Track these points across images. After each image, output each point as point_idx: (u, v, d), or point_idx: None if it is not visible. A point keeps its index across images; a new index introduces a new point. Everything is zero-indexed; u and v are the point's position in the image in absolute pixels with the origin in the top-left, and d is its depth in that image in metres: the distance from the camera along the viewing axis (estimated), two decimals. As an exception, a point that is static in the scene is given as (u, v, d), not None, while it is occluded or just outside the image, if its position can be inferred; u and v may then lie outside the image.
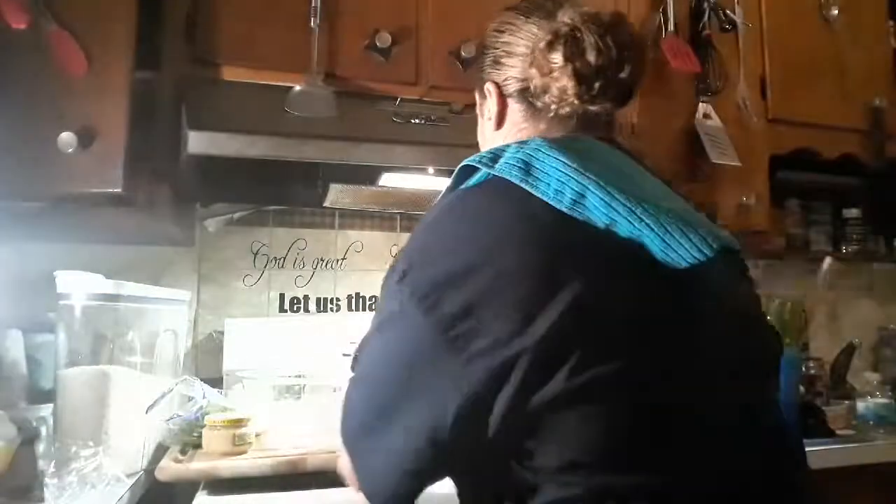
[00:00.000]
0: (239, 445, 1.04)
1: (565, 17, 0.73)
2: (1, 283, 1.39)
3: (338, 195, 1.51)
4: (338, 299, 1.73)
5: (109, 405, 1.04)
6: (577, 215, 0.60)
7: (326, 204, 1.58)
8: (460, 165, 0.70)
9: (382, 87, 1.37)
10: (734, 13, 1.61)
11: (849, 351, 1.88)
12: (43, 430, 1.06)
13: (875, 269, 2.19)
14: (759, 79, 1.67)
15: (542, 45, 0.72)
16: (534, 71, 0.73)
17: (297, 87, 1.25)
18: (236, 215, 1.67)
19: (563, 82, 0.71)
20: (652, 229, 0.59)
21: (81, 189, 1.10)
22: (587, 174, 0.62)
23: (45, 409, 1.11)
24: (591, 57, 0.70)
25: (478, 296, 0.58)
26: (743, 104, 1.62)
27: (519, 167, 0.64)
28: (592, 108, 0.72)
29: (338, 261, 1.74)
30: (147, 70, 1.19)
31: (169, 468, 0.97)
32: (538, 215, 0.61)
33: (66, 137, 1.05)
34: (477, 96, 0.86)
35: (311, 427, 1.17)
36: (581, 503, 0.56)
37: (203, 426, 1.06)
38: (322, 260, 1.73)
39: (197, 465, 0.99)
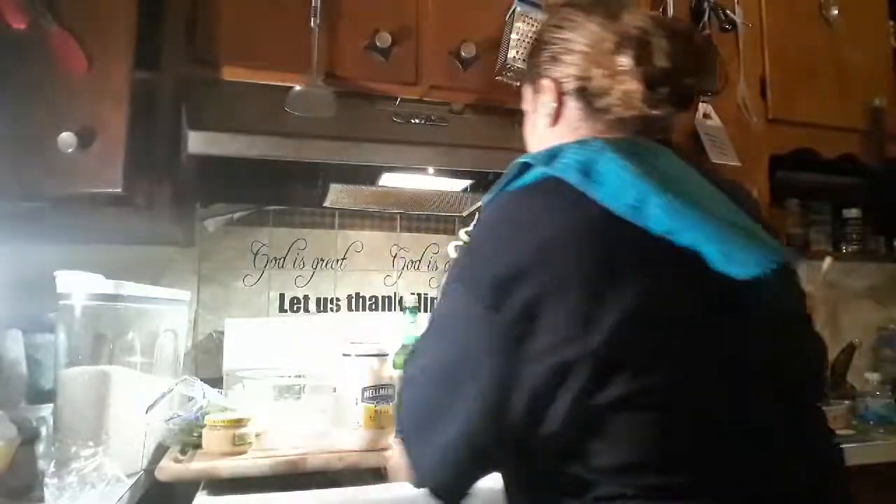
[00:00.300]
0: (239, 445, 1.04)
1: (635, 21, 0.73)
2: (1, 283, 1.39)
3: (338, 195, 1.51)
4: (338, 299, 1.73)
5: (109, 405, 1.04)
6: (636, 220, 0.61)
7: (326, 204, 1.58)
8: (515, 162, 0.70)
9: (382, 87, 1.37)
10: (734, 13, 1.61)
11: (849, 351, 1.88)
12: (43, 430, 1.06)
13: (875, 269, 2.19)
14: (759, 79, 1.67)
15: (608, 45, 0.73)
16: (597, 71, 0.74)
17: (297, 87, 1.25)
18: (236, 215, 1.67)
19: (629, 85, 0.71)
20: (712, 240, 0.60)
21: (81, 189, 1.10)
22: (649, 180, 0.62)
23: (45, 409, 1.11)
24: (660, 62, 0.71)
25: (536, 297, 0.59)
26: (743, 104, 1.62)
27: (578, 169, 0.64)
28: (655, 112, 0.72)
29: (338, 261, 1.74)
30: (147, 70, 1.19)
31: (169, 468, 0.97)
32: (595, 219, 0.62)
33: (66, 137, 1.05)
34: (527, 91, 0.86)
35: (312, 427, 1.17)
36: (634, 500, 0.58)
37: (203, 426, 1.06)
38: (322, 260, 1.73)
39: (197, 465, 0.99)
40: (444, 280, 0.68)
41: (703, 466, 0.59)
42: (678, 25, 0.74)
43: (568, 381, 0.57)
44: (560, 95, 0.79)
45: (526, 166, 0.69)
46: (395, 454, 0.72)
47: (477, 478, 0.66)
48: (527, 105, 0.87)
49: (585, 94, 0.76)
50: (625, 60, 0.71)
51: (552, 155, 0.67)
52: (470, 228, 1.48)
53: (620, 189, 0.62)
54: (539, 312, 0.59)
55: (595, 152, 0.65)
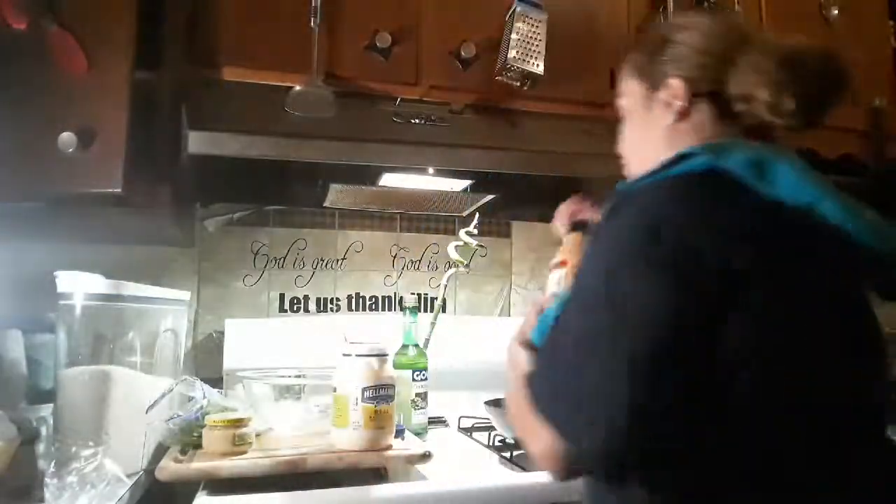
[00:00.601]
0: (239, 445, 1.04)
1: (789, 39, 0.76)
2: (1, 283, 1.39)
3: (338, 195, 1.51)
4: (338, 299, 1.73)
5: (109, 405, 1.04)
6: (809, 220, 0.66)
7: (326, 204, 1.58)
8: (680, 153, 0.70)
9: (382, 87, 1.37)
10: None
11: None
12: (43, 430, 1.06)
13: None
14: (759, 79, 1.67)
15: (763, 58, 0.75)
16: (745, 78, 0.76)
17: (297, 87, 1.24)
18: (236, 215, 1.67)
19: (780, 97, 0.73)
20: (873, 233, 0.68)
21: (81, 189, 1.10)
22: (816, 182, 0.68)
23: (45, 409, 1.11)
24: (810, 84, 0.74)
25: (711, 284, 0.62)
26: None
27: (750, 165, 0.67)
28: (791, 126, 0.75)
29: (338, 261, 1.74)
30: (147, 70, 1.19)
31: (169, 468, 0.97)
32: (768, 216, 0.66)
33: (66, 137, 1.05)
34: (636, 87, 0.86)
35: (312, 427, 1.17)
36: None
37: (203, 426, 1.06)
38: (322, 260, 1.73)
39: (197, 465, 0.98)
40: (599, 263, 0.67)
41: (826, 459, 0.65)
42: (828, 51, 0.76)
43: (751, 363, 0.62)
44: (691, 95, 0.79)
45: (685, 156, 0.70)
46: (535, 439, 0.67)
47: (638, 447, 0.64)
48: (633, 102, 0.87)
49: (719, 96, 0.78)
50: (781, 73, 0.73)
51: (720, 149, 0.69)
52: (471, 228, 1.50)
53: (796, 188, 0.67)
54: (715, 301, 0.62)
55: (768, 153, 0.69)
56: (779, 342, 0.64)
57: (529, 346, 0.82)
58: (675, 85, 0.80)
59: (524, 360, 0.81)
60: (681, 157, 0.70)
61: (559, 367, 0.67)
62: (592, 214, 1.03)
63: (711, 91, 0.78)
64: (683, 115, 0.80)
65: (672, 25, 0.85)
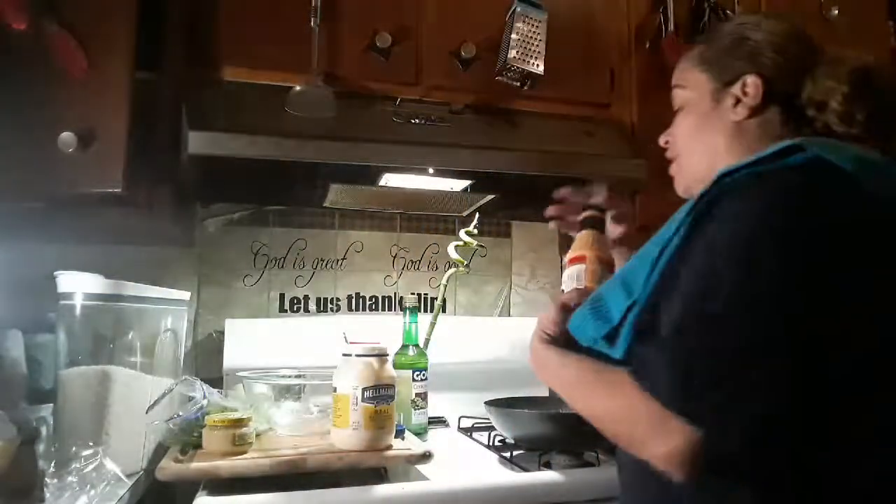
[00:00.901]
0: (239, 445, 1.04)
1: (859, 57, 0.78)
2: (1, 283, 1.39)
3: (338, 195, 1.51)
4: (338, 299, 1.73)
5: (109, 405, 1.04)
6: None
7: (326, 204, 1.58)
8: (786, 145, 0.69)
9: (382, 87, 1.37)
10: (734, 13, 1.61)
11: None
12: (43, 430, 1.06)
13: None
14: (759, 79, 1.67)
15: (840, 67, 0.76)
16: (820, 85, 0.77)
17: (297, 87, 1.25)
18: (236, 215, 1.67)
19: (854, 107, 0.75)
20: None
21: (81, 189, 1.10)
22: None
23: (45, 409, 1.11)
24: (881, 99, 0.76)
25: (852, 271, 0.63)
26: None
27: (858, 162, 0.67)
28: (858, 137, 0.75)
29: (338, 261, 1.74)
30: (147, 70, 1.19)
31: (169, 468, 0.97)
32: (880, 206, 0.67)
33: (66, 137, 1.05)
34: (704, 77, 0.86)
35: (312, 427, 1.17)
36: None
37: (203, 426, 1.06)
38: (322, 260, 1.73)
39: (197, 465, 0.98)
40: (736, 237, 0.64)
41: None
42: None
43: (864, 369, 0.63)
44: (766, 95, 0.80)
45: (793, 148, 0.68)
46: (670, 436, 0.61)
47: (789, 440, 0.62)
48: (698, 94, 0.86)
49: (792, 100, 0.79)
50: (856, 87, 0.75)
51: (827, 145, 0.69)
52: (471, 228, 1.50)
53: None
54: (855, 283, 0.63)
55: (874, 155, 0.71)
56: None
57: (556, 342, 0.82)
58: (751, 82, 0.80)
59: (555, 359, 0.81)
60: (789, 149, 0.68)
61: (694, 358, 0.61)
62: (601, 208, 1.04)
63: (786, 93, 0.79)
64: (755, 113, 0.80)
65: (746, 24, 0.85)
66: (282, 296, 1.69)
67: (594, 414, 0.73)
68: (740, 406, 0.59)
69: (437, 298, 1.57)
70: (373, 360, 1.08)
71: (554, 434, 1.19)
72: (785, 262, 0.61)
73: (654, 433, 0.62)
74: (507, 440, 1.31)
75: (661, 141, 0.94)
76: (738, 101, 0.81)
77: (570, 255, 0.99)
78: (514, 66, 1.37)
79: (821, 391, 0.61)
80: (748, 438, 0.59)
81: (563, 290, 0.94)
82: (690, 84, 0.88)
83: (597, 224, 1.02)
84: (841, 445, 0.62)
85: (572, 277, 0.94)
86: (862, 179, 0.66)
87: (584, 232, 1.01)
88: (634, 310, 0.70)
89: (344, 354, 1.10)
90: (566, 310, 0.82)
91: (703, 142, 0.85)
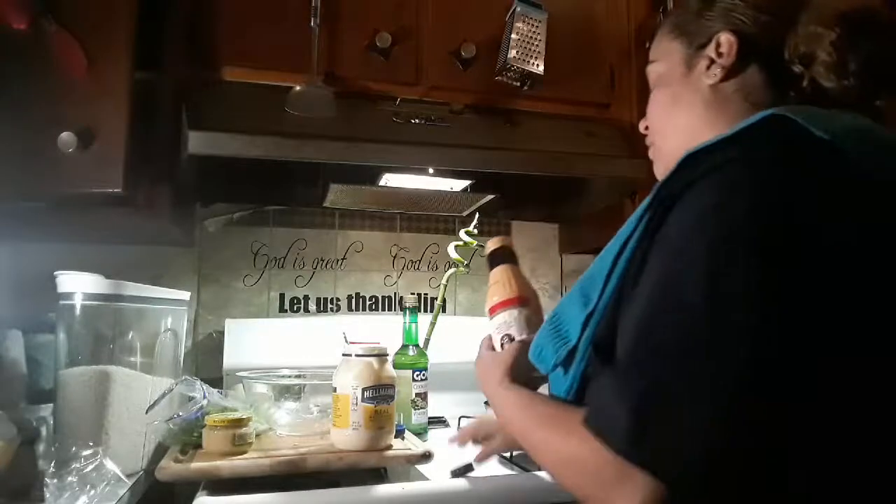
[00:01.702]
0: (239, 445, 1.04)
1: None
2: (1, 283, 1.39)
3: (338, 195, 1.51)
4: (338, 299, 1.73)
5: (109, 405, 1.04)
6: None
7: (326, 204, 1.58)
8: (765, 115, 0.59)
9: (382, 87, 1.38)
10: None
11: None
12: (43, 430, 1.06)
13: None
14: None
15: (825, 11, 0.66)
16: (805, 36, 0.67)
17: (297, 87, 1.25)
18: (236, 215, 1.67)
19: (845, 57, 0.65)
20: None
21: (81, 189, 1.09)
22: None
23: (45, 409, 1.11)
24: (881, 43, 0.66)
25: (824, 268, 0.53)
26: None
27: (853, 136, 0.58)
28: (856, 91, 0.66)
29: (338, 261, 1.74)
30: (147, 70, 1.19)
31: (169, 468, 0.97)
32: (876, 192, 0.57)
33: (66, 137, 1.05)
34: (676, 45, 0.77)
35: (312, 427, 1.17)
36: None
37: (203, 426, 1.06)
38: (322, 260, 1.73)
39: (197, 465, 0.98)
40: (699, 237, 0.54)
41: None
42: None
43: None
44: (741, 52, 0.70)
45: (771, 120, 0.59)
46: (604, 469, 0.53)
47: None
48: (670, 63, 0.77)
49: (775, 58, 0.69)
50: (847, 32, 0.65)
51: (813, 114, 0.59)
52: (471, 228, 1.50)
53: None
54: (846, 277, 0.54)
55: (868, 122, 0.62)
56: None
57: (520, 381, 0.77)
58: (725, 40, 0.71)
59: (511, 399, 0.75)
60: (766, 121, 0.59)
61: (647, 393, 0.52)
62: (505, 241, 0.94)
63: (766, 50, 0.69)
64: (731, 74, 0.71)
65: None
66: (282, 296, 1.69)
67: (544, 461, 0.65)
68: (711, 446, 0.50)
69: (437, 298, 1.57)
70: (373, 360, 1.08)
71: (554, 434, 1.19)
72: (751, 275, 0.51)
73: (613, 488, 0.53)
74: (507, 440, 1.31)
75: (641, 127, 0.84)
76: (711, 62, 0.72)
77: (490, 299, 0.90)
78: (514, 66, 1.38)
79: (794, 423, 0.51)
80: (712, 482, 0.50)
81: (497, 344, 0.89)
82: (662, 55, 0.79)
83: (507, 255, 0.92)
84: (818, 480, 0.53)
85: (503, 323, 0.87)
86: (854, 156, 0.57)
87: (498, 269, 0.91)
88: (592, 321, 0.62)
89: (344, 354, 1.10)
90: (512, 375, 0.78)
91: (679, 117, 0.76)
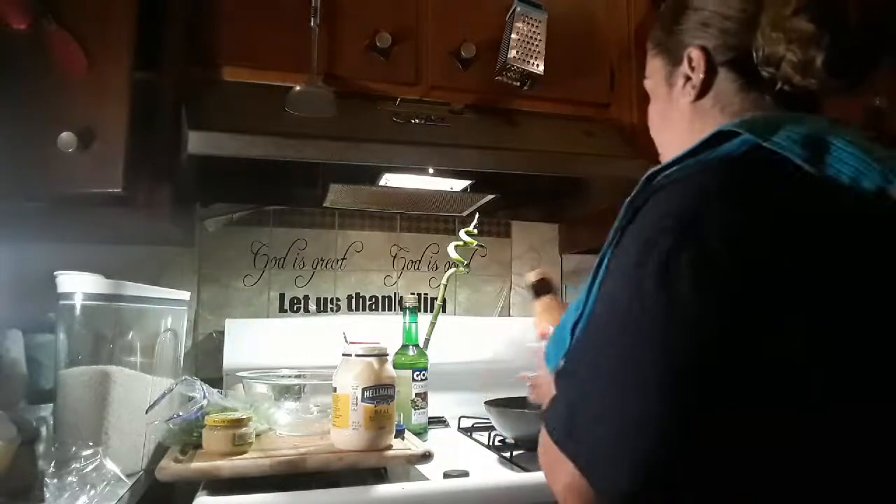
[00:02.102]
0: (239, 445, 1.04)
1: None
2: (1, 283, 1.39)
3: (338, 195, 1.51)
4: (338, 299, 1.73)
5: (109, 405, 1.04)
6: (878, 209, 0.56)
7: (326, 204, 1.58)
8: (716, 131, 0.61)
9: (382, 87, 1.37)
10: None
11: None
12: (43, 430, 1.06)
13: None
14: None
15: (783, 8, 0.65)
16: (767, 36, 0.66)
17: (297, 87, 1.25)
18: (236, 215, 1.67)
19: (810, 54, 0.63)
20: None
21: (81, 189, 1.10)
22: (883, 162, 0.57)
23: (45, 409, 1.11)
24: (849, 28, 0.63)
25: (760, 286, 0.52)
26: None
27: (804, 144, 0.57)
28: (828, 86, 0.65)
29: (338, 261, 1.74)
30: (147, 70, 1.19)
31: (169, 468, 0.97)
32: (829, 203, 0.56)
33: (66, 137, 1.05)
34: (657, 65, 0.78)
35: (312, 427, 1.17)
36: None
37: (203, 426, 1.06)
38: (322, 260, 1.73)
39: (197, 465, 0.98)
40: (637, 247, 0.57)
41: None
42: None
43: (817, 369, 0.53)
44: (711, 66, 0.71)
45: (721, 136, 0.61)
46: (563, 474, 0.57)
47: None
48: (656, 81, 0.79)
49: (746, 63, 0.68)
50: (806, 25, 0.63)
51: (763, 125, 0.60)
52: (471, 228, 1.50)
53: (858, 173, 0.56)
54: (786, 294, 0.53)
55: (821, 127, 0.60)
56: (850, 344, 0.54)
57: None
58: (695, 56, 0.71)
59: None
60: (716, 137, 0.61)
61: (578, 393, 0.58)
62: (545, 273, 1.05)
63: (734, 59, 0.69)
64: (705, 89, 0.71)
65: None
66: (282, 296, 1.69)
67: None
68: (623, 446, 0.52)
69: (437, 298, 1.57)
70: (373, 360, 1.08)
71: (554, 434, 1.19)
72: (678, 289, 0.52)
73: (550, 471, 0.60)
74: (507, 440, 1.31)
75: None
76: (687, 79, 0.73)
77: (541, 325, 1.02)
78: (514, 66, 1.38)
79: (720, 431, 0.52)
80: (633, 480, 0.51)
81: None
82: (650, 72, 0.81)
83: (544, 288, 1.05)
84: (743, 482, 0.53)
85: None
86: (807, 164, 0.56)
87: (544, 299, 1.03)
88: (579, 325, 0.64)
89: (344, 354, 1.10)
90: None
91: (668, 132, 0.79)
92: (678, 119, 0.76)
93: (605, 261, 0.62)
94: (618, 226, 0.62)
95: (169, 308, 1.26)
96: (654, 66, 0.80)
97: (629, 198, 0.62)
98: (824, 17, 0.63)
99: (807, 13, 0.64)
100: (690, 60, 0.72)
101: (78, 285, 1.06)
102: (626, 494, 0.52)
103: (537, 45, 1.40)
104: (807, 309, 0.53)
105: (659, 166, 0.63)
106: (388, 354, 1.12)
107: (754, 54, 0.67)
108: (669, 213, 0.56)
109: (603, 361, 0.56)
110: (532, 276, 1.03)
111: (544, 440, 0.61)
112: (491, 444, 1.33)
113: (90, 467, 0.95)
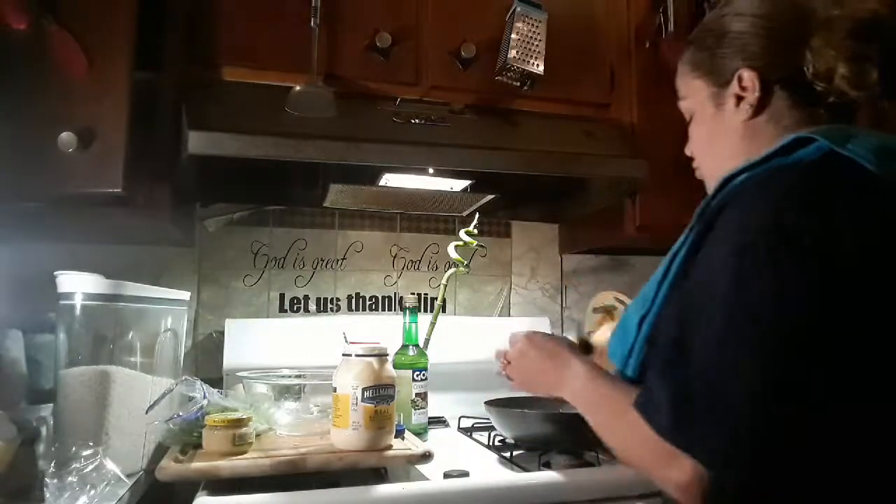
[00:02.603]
0: (239, 445, 1.04)
1: (858, 7, 0.70)
2: (1, 283, 1.39)
3: (338, 195, 1.51)
4: (338, 299, 1.73)
5: (109, 405, 1.04)
6: None
7: (326, 204, 1.58)
8: (794, 138, 0.65)
9: (382, 87, 1.38)
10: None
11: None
12: (43, 430, 1.06)
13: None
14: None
15: (837, 26, 0.69)
16: (821, 54, 0.70)
17: (297, 87, 1.25)
18: (236, 215, 1.67)
19: (860, 70, 0.68)
20: None
21: (81, 189, 1.10)
22: None
23: (45, 409, 1.11)
24: (892, 49, 0.69)
25: (856, 278, 0.57)
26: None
27: (876, 153, 0.62)
28: (879, 97, 0.70)
29: (338, 261, 1.74)
30: (147, 70, 1.19)
31: (169, 468, 0.97)
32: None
33: (66, 137, 1.05)
34: (700, 83, 0.82)
35: (312, 427, 1.17)
36: None
37: (203, 426, 1.06)
38: (322, 260, 1.73)
39: (197, 465, 0.98)
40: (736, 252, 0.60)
41: None
42: None
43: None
44: (765, 84, 0.74)
45: (801, 142, 0.65)
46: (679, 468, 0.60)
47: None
48: (698, 101, 0.83)
49: (797, 79, 0.72)
50: (861, 45, 0.68)
51: (837, 134, 0.64)
52: (471, 228, 1.50)
53: None
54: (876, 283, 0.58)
55: (891, 140, 0.64)
56: None
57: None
58: (747, 77, 0.75)
59: (580, 371, 0.80)
60: (797, 143, 0.65)
61: (686, 384, 0.59)
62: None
63: (787, 77, 0.73)
64: (760, 107, 0.75)
65: (726, 15, 0.79)
66: (282, 296, 1.69)
67: (605, 440, 0.72)
68: (743, 441, 0.55)
69: (437, 298, 1.57)
70: (373, 360, 1.08)
71: (554, 434, 1.19)
72: (782, 280, 0.57)
73: (661, 468, 0.61)
74: (507, 440, 1.31)
75: (687, 151, 0.90)
76: (739, 99, 0.77)
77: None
78: (514, 66, 1.38)
79: (830, 418, 0.56)
80: (752, 474, 0.55)
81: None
82: (690, 93, 0.84)
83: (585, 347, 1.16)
84: (852, 473, 0.58)
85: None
86: (879, 170, 0.61)
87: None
88: (647, 320, 0.69)
89: (344, 354, 1.10)
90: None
91: (718, 149, 0.81)
92: (730, 136, 0.79)
93: (678, 261, 0.67)
94: (698, 229, 0.66)
95: (169, 308, 1.26)
96: (694, 88, 0.83)
97: (704, 201, 0.67)
98: (874, 35, 0.69)
99: (859, 32, 0.69)
100: (741, 80, 0.76)
101: (78, 285, 1.06)
102: (746, 485, 0.56)
103: (537, 45, 1.40)
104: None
105: (733, 171, 0.66)
106: (388, 354, 1.12)
107: (806, 70, 0.71)
108: (761, 210, 0.60)
109: (715, 353, 0.58)
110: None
111: (637, 434, 0.62)
112: (491, 444, 1.33)
113: (90, 467, 0.95)
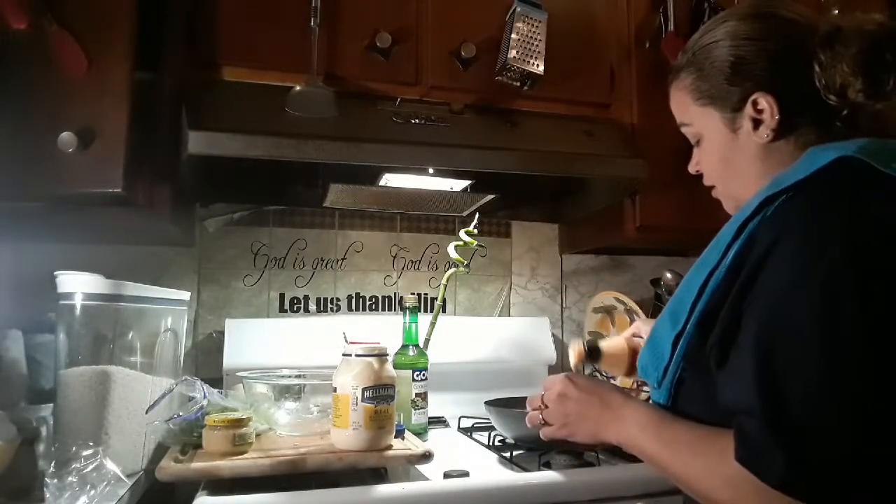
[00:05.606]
0: (239, 445, 1.04)
1: (871, 15, 0.72)
2: (1, 283, 1.39)
3: (338, 195, 1.51)
4: (338, 299, 1.73)
5: (109, 405, 1.04)
6: None
7: (326, 204, 1.58)
8: (834, 157, 0.66)
9: (382, 87, 1.38)
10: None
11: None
12: (43, 430, 1.06)
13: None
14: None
15: (841, 46, 0.71)
16: (834, 70, 0.71)
17: (297, 87, 1.25)
18: (236, 215, 1.67)
19: (875, 81, 0.70)
20: None
21: (81, 189, 1.10)
22: None
23: (45, 409, 1.11)
24: None
25: None
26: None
27: None
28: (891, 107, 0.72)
29: (338, 261, 1.74)
30: (147, 70, 1.19)
31: (169, 468, 0.97)
32: None
33: (66, 137, 1.05)
34: (709, 110, 0.81)
35: (312, 427, 1.17)
36: None
37: (203, 426, 1.06)
38: (322, 260, 1.73)
39: (197, 465, 0.98)
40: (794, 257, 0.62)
41: None
42: None
43: None
44: (784, 106, 0.75)
45: (847, 160, 0.66)
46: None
47: None
48: (708, 127, 0.82)
49: (812, 98, 0.73)
50: (873, 57, 0.70)
51: (884, 151, 0.66)
52: (471, 228, 1.50)
53: None
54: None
55: None
56: None
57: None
58: (762, 101, 0.75)
59: (644, 419, 0.75)
60: (839, 163, 0.66)
61: (799, 440, 0.58)
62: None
63: (801, 96, 0.74)
64: (779, 128, 0.75)
65: (720, 41, 0.78)
66: (282, 296, 1.69)
67: (688, 487, 0.69)
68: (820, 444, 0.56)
69: (437, 298, 1.57)
70: (373, 360, 1.08)
71: (554, 434, 1.19)
72: (879, 318, 0.58)
73: (705, 463, 0.63)
74: (507, 440, 1.31)
75: (691, 170, 0.89)
76: (756, 122, 0.76)
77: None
78: (514, 66, 1.38)
79: None
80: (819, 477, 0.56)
81: None
82: (695, 121, 0.83)
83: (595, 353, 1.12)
84: None
85: None
86: None
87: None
88: (682, 341, 0.68)
89: (344, 354, 1.10)
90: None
91: (736, 170, 0.80)
92: (747, 157, 0.78)
93: (715, 281, 0.66)
94: (738, 249, 0.65)
95: (169, 308, 1.26)
96: (703, 115, 0.82)
97: (738, 219, 0.68)
98: (885, 47, 0.70)
99: (870, 46, 0.70)
100: (756, 104, 0.76)
101: (78, 285, 1.06)
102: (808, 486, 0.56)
103: (537, 45, 1.40)
104: None
105: (771, 192, 0.67)
106: (388, 354, 1.12)
107: (819, 87, 0.72)
108: (841, 245, 0.60)
109: (825, 403, 0.58)
110: (578, 356, 1.09)
111: (742, 488, 0.60)
112: (491, 444, 1.33)
113: (90, 467, 0.95)
